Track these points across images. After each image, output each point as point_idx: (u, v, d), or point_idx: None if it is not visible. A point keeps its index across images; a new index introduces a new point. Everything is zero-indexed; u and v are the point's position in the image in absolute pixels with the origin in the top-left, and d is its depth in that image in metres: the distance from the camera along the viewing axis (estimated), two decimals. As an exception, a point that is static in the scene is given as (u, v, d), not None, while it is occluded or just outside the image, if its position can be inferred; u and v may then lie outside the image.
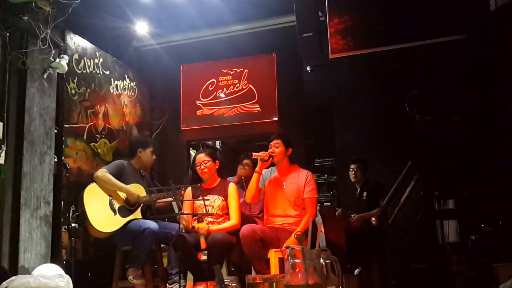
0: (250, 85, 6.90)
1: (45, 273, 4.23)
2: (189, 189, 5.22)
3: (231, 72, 7.03)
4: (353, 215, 5.84)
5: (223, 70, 7.07)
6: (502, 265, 3.88)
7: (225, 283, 2.45)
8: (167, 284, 5.04)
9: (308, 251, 2.58)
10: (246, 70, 6.96)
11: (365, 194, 5.97)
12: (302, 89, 6.89)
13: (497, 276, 3.79)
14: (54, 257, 4.95)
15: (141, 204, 5.17)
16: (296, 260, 2.55)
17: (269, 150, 5.04)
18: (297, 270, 2.53)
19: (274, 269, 4.67)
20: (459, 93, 5.57)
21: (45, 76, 5.10)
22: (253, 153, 5.11)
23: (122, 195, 5.12)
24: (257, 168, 5.06)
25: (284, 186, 5.04)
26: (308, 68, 6.78)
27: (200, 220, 4.66)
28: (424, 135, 5.42)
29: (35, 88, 5.00)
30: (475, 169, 5.26)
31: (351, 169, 6.11)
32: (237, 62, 7.04)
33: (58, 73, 5.25)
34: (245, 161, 6.04)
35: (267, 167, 5.13)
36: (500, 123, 5.22)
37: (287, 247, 2.63)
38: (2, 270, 4.25)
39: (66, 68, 5.21)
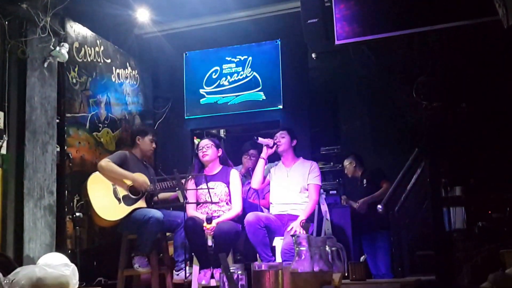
0: (254, 73, 6.84)
1: (50, 262, 4.20)
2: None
3: (235, 60, 6.97)
4: (358, 201, 5.84)
5: (227, 58, 7.00)
6: (508, 251, 3.84)
7: (231, 271, 2.41)
8: (174, 271, 5.03)
9: (314, 239, 2.55)
10: (250, 58, 6.90)
11: (365, 181, 6.02)
12: (307, 77, 6.82)
13: (504, 262, 3.75)
14: (59, 247, 4.95)
15: (145, 193, 5.14)
16: (302, 248, 2.52)
17: (275, 139, 5.11)
18: (303, 258, 2.50)
19: (279, 256, 4.66)
20: (467, 80, 5.52)
21: (45, 65, 5.05)
22: (259, 138, 5.16)
23: (126, 184, 5.10)
24: (262, 154, 5.18)
25: (289, 175, 5.08)
26: (313, 55, 6.71)
27: (209, 221, 4.64)
28: (431, 122, 5.38)
29: (36, 77, 4.95)
30: (482, 156, 5.22)
31: (344, 167, 6.21)
32: (241, 50, 6.98)
33: (58, 62, 5.20)
34: (251, 151, 6.01)
35: (272, 155, 5.17)
36: (508, 110, 5.17)
37: (292, 235, 2.61)
38: (7, 260, 4.24)
39: (67, 56, 5.16)
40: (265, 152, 5.19)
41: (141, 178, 5.10)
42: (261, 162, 5.20)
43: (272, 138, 5.17)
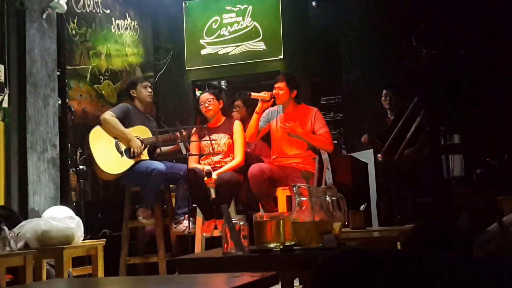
0: (255, 22, 6.76)
1: (55, 215, 4.27)
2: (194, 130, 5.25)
3: (235, 9, 6.87)
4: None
5: (227, 7, 6.91)
6: (506, 198, 3.91)
7: (233, 221, 2.47)
8: (173, 224, 5.12)
9: (315, 189, 2.60)
10: (250, 7, 6.80)
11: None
12: (308, 25, 6.76)
13: (501, 209, 3.81)
14: (64, 199, 5.00)
15: (147, 146, 5.18)
16: (303, 198, 2.58)
17: (274, 91, 5.02)
18: (303, 208, 2.56)
19: (281, 207, 4.73)
20: (467, 27, 5.48)
21: (44, 17, 4.99)
22: (252, 93, 5.08)
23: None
24: (257, 109, 5.06)
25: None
26: (313, 3, 6.65)
27: (209, 175, 4.68)
28: (431, 70, 5.38)
29: (35, 29, 4.91)
30: (481, 103, 5.25)
31: (384, 95, 5.79)
32: (241, -2, 6.88)
33: (57, 13, 5.14)
34: (236, 102, 5.93)
35: (272, 105, 5.12)
36: (507, 57, 5.16)
37: (293, 185, 2.66)
38: (12, 213, 4.30)
39: (65, 7, 5.08)
40: (259, 107, 5.07)
41: (137, 143, 5.08)
42: (254, 117, 5.08)
43: (272, 90, 5.07)
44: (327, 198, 2.69)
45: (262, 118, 5.11)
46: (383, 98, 5.81)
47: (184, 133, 4.97)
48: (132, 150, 5.05)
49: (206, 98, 5.19)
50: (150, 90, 5.45)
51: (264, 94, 5.00)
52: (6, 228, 3.59)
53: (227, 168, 4.96)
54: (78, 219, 4.21)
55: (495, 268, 1.21)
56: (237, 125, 5.17)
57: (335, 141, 6.42)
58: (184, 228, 4.96)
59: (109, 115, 5.08)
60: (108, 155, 5.00)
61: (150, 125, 5.35)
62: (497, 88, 5.31)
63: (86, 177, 5.22)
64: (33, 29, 4.89)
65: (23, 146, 4.72)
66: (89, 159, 5.09)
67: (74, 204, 5.07)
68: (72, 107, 5.26)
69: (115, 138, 5.07)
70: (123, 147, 5.08)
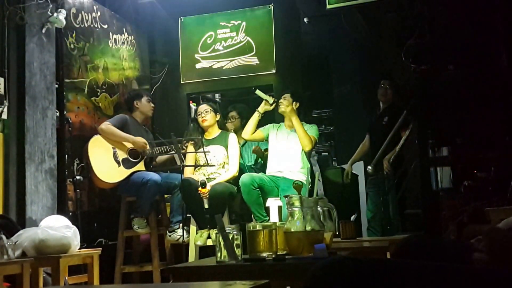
0: (248, 38, 6.88)
1: (52, 224, 4.34)
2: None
3: (229, 25, 6.99)
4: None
5: (221, 23, 7.02)
6: (493, 210, 3.99)
7: (226, 231, 2.55)
8: (167, 232, 5.21)
9: (306, 199, 2.70)
10: (244, 23, 6.92)
11: (386, 119, 5.49)
12: (300, 41, 6.88)
13: (489, 220, 3.90)
14: (61, 209, 5.08)
15: (145, 157, 5.28)
16: (295, 208, 2.67)
17: (279, 101, 5.23)
18: (295, 218, 2.66)
19: (273, 217, 4.83)
20: (455, 43, 5.61)
21: (43, 31, 5.10)
22: (258, 90, 5.27)
23: (126, 147, 5.22)
24: (259, 108, 5.27)
25: (289, 138, 5.20)
26: (305, 20, 6.77)
27: (203, 186, 4.79)
28: (420, 85, 5.48)
29: (34, 43, 5.02)
30: (468, 117, 5.35)
31: (381, 86, 5.57)
32: (235, 15, 6.99)
33: (56, 28, 5.24)
34: (230, 113, 6.08)
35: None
36: (494, 72, 5.28)
37: (285, 196, 2.76)
38: (10, 222, 4.37)
39: (64, 22, 5.19)
40: (261, 107, 5.32)
41: (141, 140, 5.22)
42: (255, 115, 5.32)
43: (275, 98, 5.29)
44: (319, 208, 2.78)
45: (263, 127, 5.31)
46: (380, 89, 5.61)
47: (179, 145, 5.09)
48: (139, 150, 5.16)
49: (203, 109, 5.33)
50: (152, 105, 5.59)
51: (269, 97, 5.21)
52: (4, 237, 3.66)
53: (221, 180, 5.07)
54: (74, 228, 4.28)
55: (485, 278, 1.23)
56: (232, 138, 5.29)
57: (326, 153, 6.55)
58: (178, 237, 5.05)
59: (106, 125, 5.19)
60: (105, 164, 5.09)
61: (148, 137, 5.45)
62: (484, 103, 5.42)
63: (82, 187, 5.29)
64: (32, 43, 4.99)
65: (22, 156, 4.81)
66: (87, 167, 5.18)
67: (70, 213, 5.13)
68: (69, 119, 5.34)
69: (114, 147, 5.17)
70: (120, 157, 5.17)
